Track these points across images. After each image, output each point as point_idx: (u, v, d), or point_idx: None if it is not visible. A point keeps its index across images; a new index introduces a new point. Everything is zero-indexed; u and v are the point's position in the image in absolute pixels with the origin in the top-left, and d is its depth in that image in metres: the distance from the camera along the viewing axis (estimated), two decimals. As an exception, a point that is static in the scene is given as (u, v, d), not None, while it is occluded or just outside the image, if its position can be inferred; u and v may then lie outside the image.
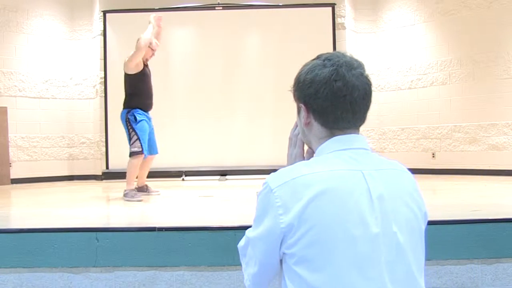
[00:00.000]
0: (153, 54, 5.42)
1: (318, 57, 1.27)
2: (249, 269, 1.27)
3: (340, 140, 1.23)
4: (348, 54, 1.26)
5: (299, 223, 1.12)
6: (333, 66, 1.21)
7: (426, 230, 1.27)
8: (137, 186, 5.29)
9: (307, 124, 1.28)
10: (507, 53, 7.14)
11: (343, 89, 1.20)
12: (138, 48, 5.16)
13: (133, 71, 5.21)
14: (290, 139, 1.41)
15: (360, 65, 1.24)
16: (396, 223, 1.16)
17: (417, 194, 1.24)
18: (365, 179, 1.17)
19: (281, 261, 1.21)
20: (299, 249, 1.13)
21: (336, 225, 1.12)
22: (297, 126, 1.38)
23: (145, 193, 5.34)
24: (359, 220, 1.13)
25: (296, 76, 1.29)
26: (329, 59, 1.23)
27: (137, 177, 5.35)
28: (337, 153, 1.21)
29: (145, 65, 5.37)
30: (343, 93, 1.20)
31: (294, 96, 1.30)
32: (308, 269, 1.12)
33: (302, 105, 1.28)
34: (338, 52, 1.26)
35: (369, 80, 1.25)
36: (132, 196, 5.02)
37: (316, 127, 1.26)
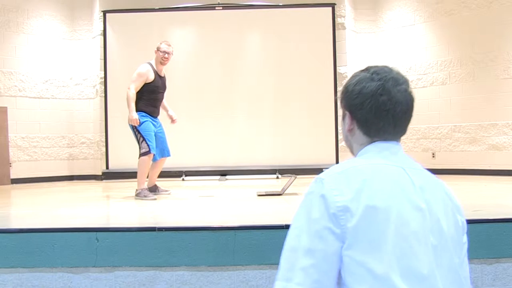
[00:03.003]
0: (164, 57, 5.35)
1: (367, 70, 1.34)
2: (298, 265, 1.14)
3: (381, 145, 1.31)
4: (395, 69, 1.32)
5: (354, 207, 1.14)
6: (380, 81, 1.28)
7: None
8: (147, 187, 5.29)
9: (350, 130, 1.35)
10: (507, 53, 7.14)
11: (387, 103, 1.27)
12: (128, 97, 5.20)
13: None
14: None
15: (405, 82, 1.31)
16: (439, 212, 1.22)
17: (451, 194, 1.31)
18: (407, 173, 1.24)
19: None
20: (352, 233, 1.14)
21: (388, 207, 1.16)
22: None
23: (155, 193, 5.37)
24: (408, 203, 1.18)
25: (345, 85, 1.36)
26: (377, 73, 1.30)
27: (147, 178, 5.37)
28: (377, 154, 1.29)
29: (160, 77, 5.39)
30: (386, 107, 1.27)
31: (341, 103, 1.38)
32: (360, 251, 1.13)
33: (347, 113, 1.35)
34: (386, 67, 1.33)
35: (412, 96, 1.32)
36: (145, 196, 5.06)
37: (358, 134, 1.33)
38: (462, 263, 1.25)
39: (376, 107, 1.27)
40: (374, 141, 1.31)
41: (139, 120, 5.14)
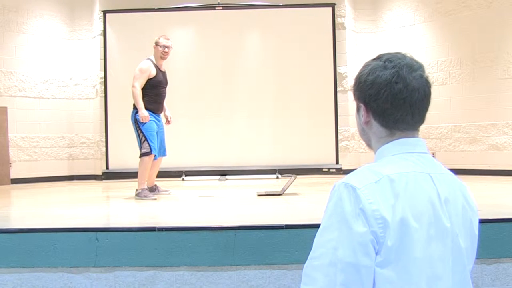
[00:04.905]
0: (164, 51, 5.38)
1: (379, 58, 1.28)
2: (338, 280, 1.11)
3: (403, 143, 1.25)
4: (408, 55, 1.27)
5: (391, 224, 1.11)
6: (394, 68, 1.22)
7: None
8: (146, 187, 5.32)
9: (367, 123, 1.29)
10: (507, 53, 7.14)
11: (403, 91, 1.21)
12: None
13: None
14: None
15: (420, 67, 1.26)
16: (458, 227, 1.20)
17: (470, 200, 1.28)
18: (433, 182, 1.20)
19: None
20: (386, 250, 1.12)
21: (419, 228, 1.13)
22: None
23: (155, 193, 5.39)
24: (436, 223, 1.16)
25: (357, 76, 1.30)
26: (390, 60, 1.24)
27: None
28: (403, 156, 1.23)
29: (162, 72, 5.42)
30: (403, 95, 1.21)
31: (354, 95, 1.32)
32: (390, 269, 1.12)
33: (362, 105, 1.28)
34: (399, 53, 1.27)
35: (428, 82, 1.27)
36: (145, 196, 5.09)
37: (376, 126, 1.28)
38: (470, 269, 1.25)
39: (392, 96, 1.21)
40: (395, 137, 1.25)
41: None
